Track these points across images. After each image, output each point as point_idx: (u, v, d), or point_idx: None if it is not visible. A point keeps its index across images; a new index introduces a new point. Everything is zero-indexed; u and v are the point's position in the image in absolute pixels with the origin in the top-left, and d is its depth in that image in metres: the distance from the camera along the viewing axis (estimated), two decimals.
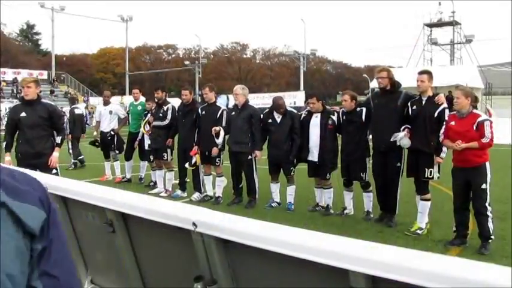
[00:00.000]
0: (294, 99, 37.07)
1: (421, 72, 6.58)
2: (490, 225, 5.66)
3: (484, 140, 5.58)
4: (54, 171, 6.49)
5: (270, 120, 7.93)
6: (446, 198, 6.16)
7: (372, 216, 7.13)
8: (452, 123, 5.85)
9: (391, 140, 6.46)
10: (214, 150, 8.30)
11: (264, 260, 1.63)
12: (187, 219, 1.78)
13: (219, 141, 8.15)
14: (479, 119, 5.68)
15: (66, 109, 14.16)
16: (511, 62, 41.33)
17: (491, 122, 5.71)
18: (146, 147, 9.85)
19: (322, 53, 75.43)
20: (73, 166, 13.02)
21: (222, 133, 8.15)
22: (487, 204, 5.65)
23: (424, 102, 6.39)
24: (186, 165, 8.56)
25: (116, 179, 10.92)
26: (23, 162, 6.02)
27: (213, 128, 8.14)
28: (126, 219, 2.24)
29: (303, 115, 7.91)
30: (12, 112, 6.58)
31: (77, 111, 13.26)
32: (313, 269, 1.45)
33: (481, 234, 5.71)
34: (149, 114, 9.62)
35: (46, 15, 51.31)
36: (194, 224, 1.75)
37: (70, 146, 13.27)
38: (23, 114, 6.28)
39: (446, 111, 6.23)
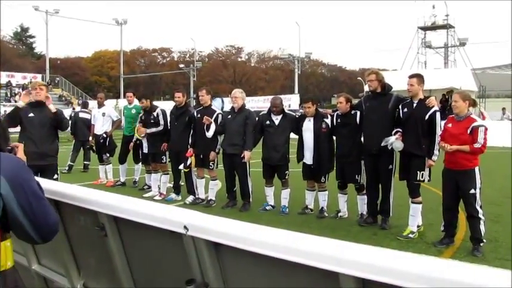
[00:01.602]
0: (289, 102, 37.11)
1: (411, 76, 6.58)
2: (482, 228, 5.68)
3: (476, 145, 5.60)
4: (55, 176, 6.54)
5: (267, 122, 7.91)
6: (440, 201, 6.17)
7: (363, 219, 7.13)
8: (450, 125, 5.90)
9: (382, 145, 6.48)
10: (212, 155, 8.31)
11: (255, 262, 1.63)
12: (178, 222, 1.78)
13: (209, 133, 8.14)
14: (474, 124, 5.70)
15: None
16: (511, 64, 41.48)
17: (486, 129, 5.69)
18: (145, 151, 9.76)
19: (317, 56, 75.56)
20: (67, 169, 12.95)
21: (212, 126, 8.14)
22: (478, 208, 5.66)
23: (415, 105, 6.40)
24: (181, 166, 8.55)
25: (108, 182, 10.89)
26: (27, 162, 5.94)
27: (205, 117, 8.14)
28: (118, 222, 2.23)
29: (296, 116, 7.95)
30: (18, 108, 6.54)
31: (81, 115, 13.13)
32: (304, 272, 1.45)
33: (473, 237, 5.73)
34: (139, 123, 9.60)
35: (40, 18, 51.03)
36: (185, 227, 1.75)
37: (72, 148, 13.23)
38: (31, 114, 6.32)
39: (437, 113, 6.23)
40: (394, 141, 6.38)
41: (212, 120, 8.17)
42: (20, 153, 2.08)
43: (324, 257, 1.36)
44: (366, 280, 1.32)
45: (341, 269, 1.33)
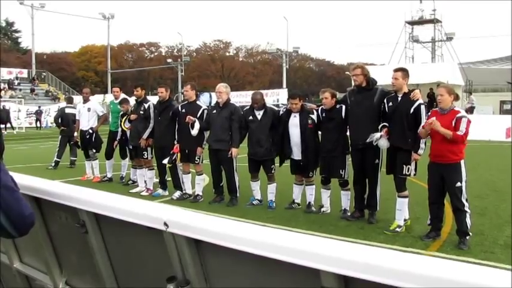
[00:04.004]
0: (277, 96, 37.18)
1: (396, 70, 6.59)
2: (468, 221, 5.71)
3: (458, 133, 5.62)
4: None
5: (250, 117, 7.91)
6: (427, 194, 6.19)
7: (349, 214, 7.14)
8: (433, 118, 5.90)
9: (367, 141, 6.48)
10: (199, 150, 8.28)
11: (237, 259, 1.60)
12: (158, 219, 1.75)
13: (194, 132, 8.10)
14: (458, 115, 5.76)
15: (48, 107, 13.99)
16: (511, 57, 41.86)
17: (469, 121, 5.75)
18: (131, 147, 9.71)
19: (305, 51, 75.69)
20: (53, 165, 12.83)
21: (197, 124, 8.10)
22: (463, 200, 5.70)
23: (399, 99, 6.41)
24: (165, 161, 8.48)
25: (94, 178, 10.81)
26: None
27: (188, 117, 8.10)
28: (99, 219, 2.20)
29: (281, 112, 7.92)
30: None
31: (67, 110, 13.00)
32: (286, 269, 1.43)
33: (459, 230, 5.77)
34: (126, 115, 9.48)
35: (25, 12, 50.46)
36: (165, 223, 1.72)
37: (58, 144, 13.12)
38: None
39: (422, 107, 6.25)
40: (379, 140, 6.39)
41: (195, 118, 8.12)
42: None
43: (304, 254, 1.34)
44: (347, 277, 1.30)
45: (322, 266, 1.31)
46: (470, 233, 5.76)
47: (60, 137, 13.14)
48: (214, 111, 8.21)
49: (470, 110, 24.35)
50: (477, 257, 5.28)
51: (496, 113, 29.64)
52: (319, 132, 7.55)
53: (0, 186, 1.68)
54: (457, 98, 6.07)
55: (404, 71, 6.54)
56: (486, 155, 15.65)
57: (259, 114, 7.86)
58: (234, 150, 7.90)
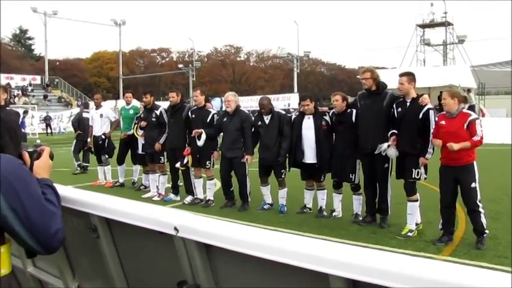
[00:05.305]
0: (288, 101, 37.16)
1: (401, 75, 6.55)
2: (483, 220, 5.73)
3: (475, 138, 5.63)
4: None
5: (259, 123, 7.93)
6: (438, 198, 6.14)
7: (360, 218, 7.10)
8: (443, 122, 5.89)
9: (375, 152, 6.46)
10: (216, 155, 8.34)
11: (247, 264, 1.61)
12: (168, 223, 1.76)
13: (200, 143, 8.14)
14: (470, 118, 5.75)
15: (61, 113, 14.14)
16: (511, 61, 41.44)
17: (480, 121, 5.78)
18: (139, 151, 9.79)
19: (316, 55, 75.53)
20: (78, 169, 12.98)
21: (203, 136, 8.13)
22: (477, 201, 5.71)
23: (408, 104, 6.38)
24: (177, 164, 8.52)
25: (107, 183, 10.88)
26: None
27: (195, 131, 8.15)
28: (110, 224, 2.22)
29: (293, 116, 7.87)
30: None
31: (84, 115, 13.14)
32: (295, 273, 1.43)
33: (475, 229, 5.77)
34: (140, 119, 9.55)
35: (39, 19, 51.01)
36: (176, 228, 1.73)
37: (72, 149, 13.26)
38: None
39: (431, 111, 6.20)
40: (387, 149, 6.38)
41: (202, 130, 8.14)
42: (44, 157, 1.89)
43: (313, 258, 1.34)
44: (355, 281, 1.30)
45: (330, 270, 1.31)
46: (487, 231, 5.75)
47: (75, 141, 13.26)
48: (225, 119, 8.19)
49: (471, 109, 24.02)
50: (491, 262, 5.22)
51: (509, 116, 29.36)
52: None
53: (21, 195, 1.54)
54: (464, 100, 6.05)
55: (409, 75, 6.50)
56: (499, 158, 15.49)
57: (267, 119, 7.87)
58: (248, 158, 7.92)
